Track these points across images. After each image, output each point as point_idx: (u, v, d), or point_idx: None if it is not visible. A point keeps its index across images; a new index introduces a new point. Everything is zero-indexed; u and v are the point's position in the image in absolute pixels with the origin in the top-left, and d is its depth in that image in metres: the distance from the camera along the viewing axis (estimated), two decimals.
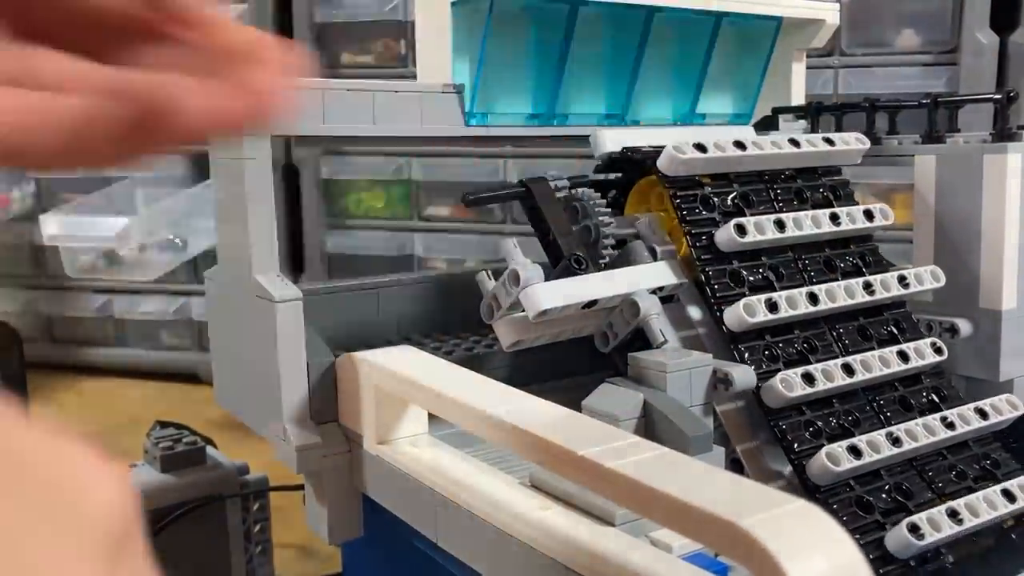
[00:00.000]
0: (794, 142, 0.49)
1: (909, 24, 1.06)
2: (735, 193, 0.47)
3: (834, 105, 0.60)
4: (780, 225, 0.46)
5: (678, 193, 0.46)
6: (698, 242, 0.46)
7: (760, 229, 0.45)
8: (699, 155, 0.45)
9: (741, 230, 0.45)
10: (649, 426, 0.37)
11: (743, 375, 0.40)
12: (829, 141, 0.51)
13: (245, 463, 0.57)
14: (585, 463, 0.27)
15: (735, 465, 0.43)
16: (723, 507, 0.22)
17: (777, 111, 0.63)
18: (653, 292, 0.45)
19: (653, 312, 0.43)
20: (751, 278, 0.45)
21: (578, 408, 0.36)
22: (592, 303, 0.40)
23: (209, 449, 0.56)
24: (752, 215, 0.46)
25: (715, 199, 0.46)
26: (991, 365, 0.50)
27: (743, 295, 0.44)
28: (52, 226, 1.28)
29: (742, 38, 0.64)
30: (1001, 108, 0.51)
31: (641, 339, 0.44)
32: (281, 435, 0.44)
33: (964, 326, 0.50)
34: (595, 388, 0.40)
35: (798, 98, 0.66)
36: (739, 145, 0.47)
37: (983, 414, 0.45)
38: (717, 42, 0.62)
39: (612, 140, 0.52)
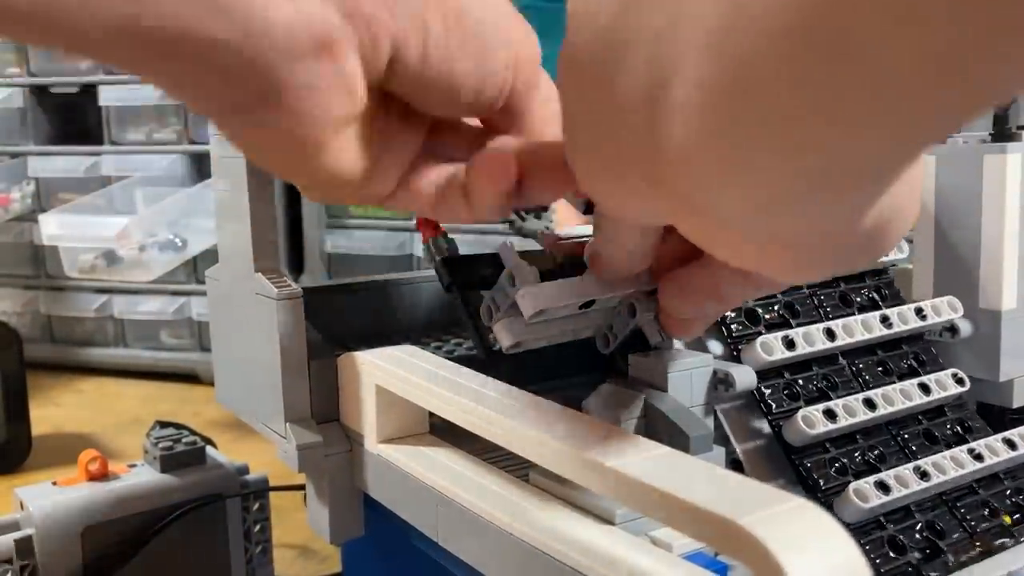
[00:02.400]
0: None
1: None
2: None
3: None
4: None
5: None
6: None
7: None
8: None
9: None
10: (650, 426, 0.38)
11: (744, 376, 0.40)
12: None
13: (245, 463, 0.57)
14: (585, 462, 0.27)
15: (735, 465, 0.43)
16: (722, 505, 0.22)
17: None
18: (651, 293, 0.45)
19: (650, 312, 0.43)
20: (767, 316, 0.45)
21: (579, 408, 0.36)
22: (589, 303, 0.40)
23: (209, 449, 0.56)
24: None
25: None
26: (991, 365, 0.50)
27: (760, 333, 0.44)
28: (52, 226, 1.28)
29: None
30: (1001, 108, 0.51)
31: (642, 339, 0.44)
32: (282, 434, 0.44)
33: (964, 326, 0.50)
34: (596, 389, 0.40)
35: None
36: None
37: (1011, 444, 0.45)
38: None
39: None
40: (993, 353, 0.50)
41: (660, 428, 0.37)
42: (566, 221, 0.50)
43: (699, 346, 0.46)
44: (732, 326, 0.45)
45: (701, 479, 0.24)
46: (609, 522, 0.32)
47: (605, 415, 0.37)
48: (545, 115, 0.32)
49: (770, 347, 0.43)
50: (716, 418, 0.42)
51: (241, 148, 0.29)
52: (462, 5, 0.28)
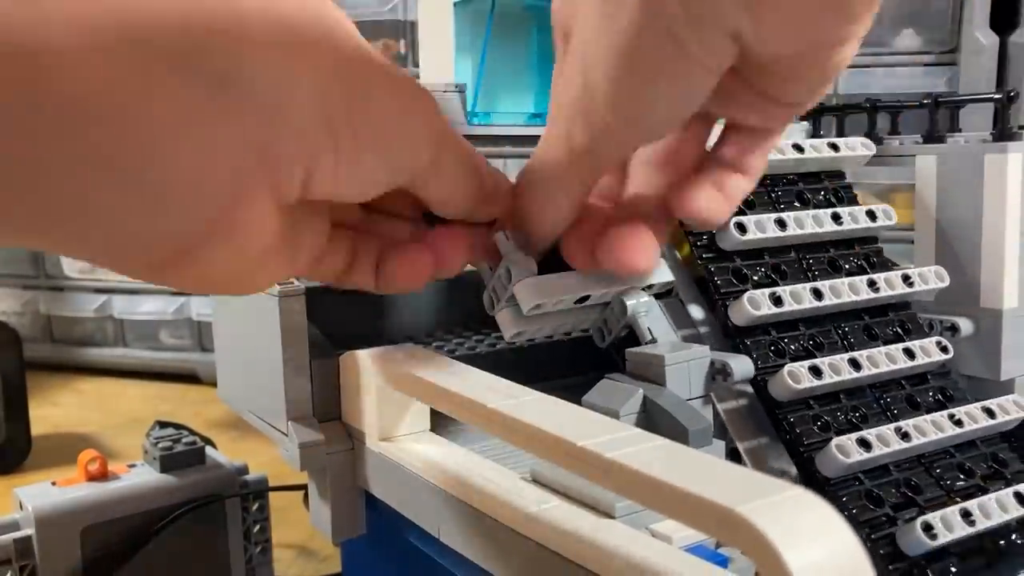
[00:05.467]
0: (798, 148, 0.49)
1: (909, 24, 1.06)
2: None
3: (835, 106, 0.60)
4: (781, 224, 0.46)
5: None
6: (699, 241, 0.46)
7: (761, 227, 0.45)
8: None
9: (741, 228, 0.45)
10: (649, 420, 0.38)
11: (741, 365, 0.40)
12: (834, 147, 0.51)
13: (245, 463, 0.56)
14: (584, 454, 0.27)
15: (734, 457, 0.43)
16: (721, 494, 0.22)
17: None
18: (646, 289, 0.45)
19: (641, 310, 0.43)
20: (754, 276, 0.46)
21: (579, 404, 0.36)
22: (584, 298, 0.40)
23: (209, 449, 0.56)
24: (752, 216, 0.46)
25: None
26: (992, 364, 0.51)
27: (746, 291, 0.44)
28: None
29: None
30: (1001, 108, 0.51)
31: (636, 335, 0.44)
32: (284, 432, 0.44)
33: (965, 325, 0.51)
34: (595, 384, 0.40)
35: None
36: None
37: (990, 413, 0.45)
38: None
39: None
40: (994, 352, 0.50)
41: (659, 422, 0.37)
42: None
43: (679, 311, 0.46)
44: (718, 282, 0.45)
45: (700, 469, 0.24)
46: (609, 516, 0.32)
47: (604, 410, 0.37)
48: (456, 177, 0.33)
49: (757, 302, 0.43)
50: (715, 410, 0.42)
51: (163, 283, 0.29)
52: (367, 110, 0.27)
